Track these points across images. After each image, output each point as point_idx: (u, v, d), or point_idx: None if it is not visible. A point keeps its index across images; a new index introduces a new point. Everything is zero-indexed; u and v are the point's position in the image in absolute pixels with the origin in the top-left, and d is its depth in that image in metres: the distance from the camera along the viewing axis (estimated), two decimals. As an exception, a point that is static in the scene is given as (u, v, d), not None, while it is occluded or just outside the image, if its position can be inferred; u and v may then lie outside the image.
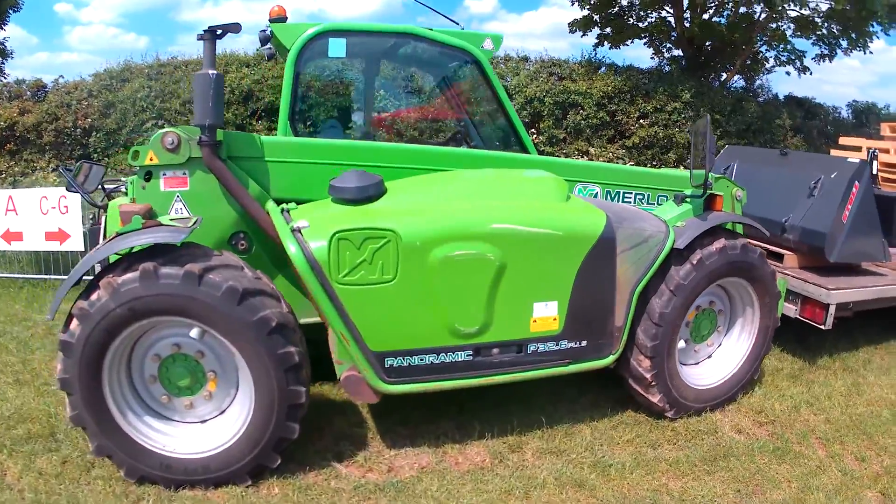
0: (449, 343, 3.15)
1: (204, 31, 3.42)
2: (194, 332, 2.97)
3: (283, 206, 3.46)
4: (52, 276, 6.47)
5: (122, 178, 4.26)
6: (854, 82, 30.29)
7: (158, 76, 9.94)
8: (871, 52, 12.37)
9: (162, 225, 3.04)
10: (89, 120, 9.94)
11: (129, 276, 2.82)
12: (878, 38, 12.29)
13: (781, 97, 13.46)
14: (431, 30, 4.03)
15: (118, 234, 2.95)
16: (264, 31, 4.01)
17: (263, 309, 2.89)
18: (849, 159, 5.06)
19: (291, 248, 2.97)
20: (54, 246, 6.42)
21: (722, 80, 12.87)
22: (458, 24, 4.19)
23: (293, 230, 3.05)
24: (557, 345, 3.41)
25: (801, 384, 4.61)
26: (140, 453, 2.98)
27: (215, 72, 3.36)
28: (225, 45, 10.91)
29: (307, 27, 3.96)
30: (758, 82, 13.47)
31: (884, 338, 5.49)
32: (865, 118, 13.85)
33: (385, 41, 4.24)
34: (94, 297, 2.82)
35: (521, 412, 3.88)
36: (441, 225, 3.08)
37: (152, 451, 3.00)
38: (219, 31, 3.43)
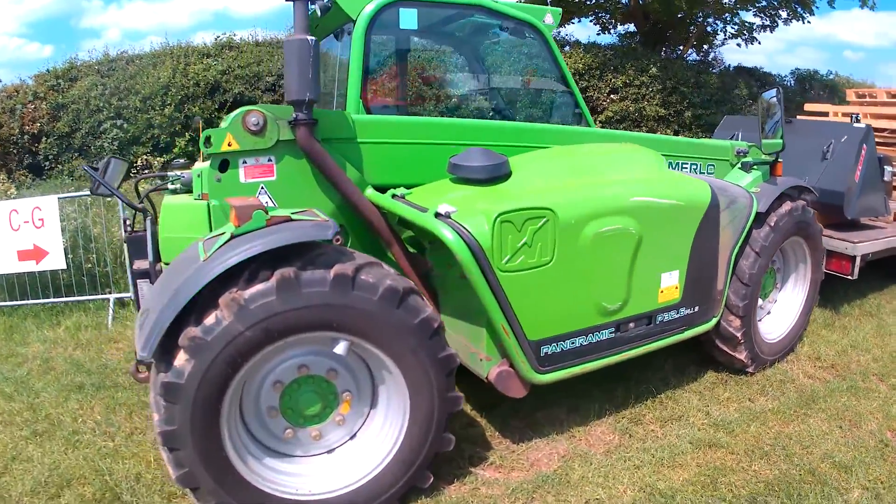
0: (595, 322, 3.13)
1: None
2: (341, 348, 2.54)
3: (393, 192, 3.19)
4: (31, 302, 5.68)
5: (173, 173, 3.50)
6: (762, 50, 32.51)
7: (110, 72, 8.97)
8: (809, 22, 13.03)
9: (291, 220, 2.49)
10: (38, 125, 8.86)
11: (260, 287, 2.30)
12: (817, 8, 12.99)
13: (731, 68, 14.23)
14: (497, 2, 3.89)
15: (235, 236, 2.40)
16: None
17: (423, 310, 2.58)
18: (854, 124, 5.50)
19: (448, 236, 2.66)
20: (29, 266, 5.65)
21: (679, 53, 13.44)
22: None
23: (437, 216, 2.75)
24: (678, 312, 3.50)
25: (837, 331, 5.02)
26: None
27: (312, 37, 2.84)
28: (181, 36, 10.16)
29: None
30: (711, 55, 14.24)
31: (885, 285, 6.07)
32: (809, 84, 14.81)
33: (449, 12, 3.99)
34: (209, 320, 2.27)
35: (624, 387, 3.95)
36: (591, 201, 3.02)
37: (285, 499, 2.55)
38: None
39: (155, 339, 2.22)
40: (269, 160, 2.97)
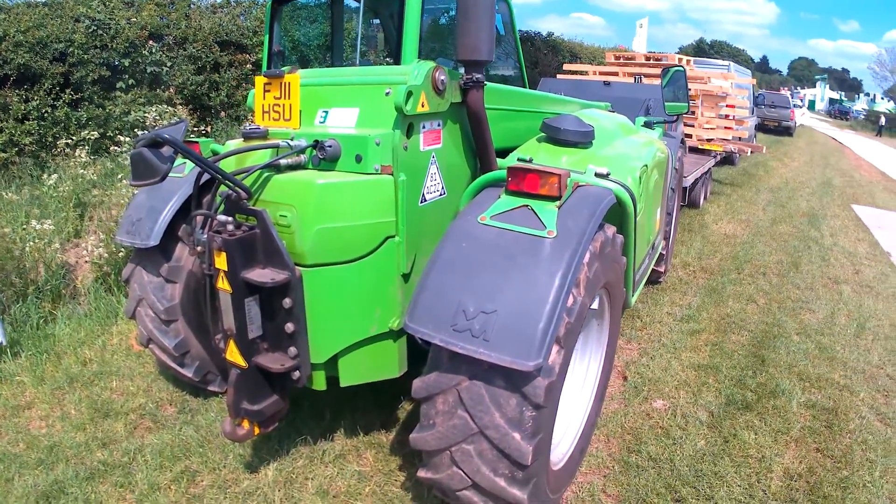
0: (646, 251, 3.91)
1: None
2: (597, 303, 2.62)
3: (519, 156, 3.06)
4: None
5: (284, 142, 2.46)
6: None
7: None
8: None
9: (583, 184, 2.45)
10: None
11: (588, 257, 2.19)
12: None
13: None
14: None
15: (560, 207, 2.20)
16: None
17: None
18: (655, 84, 7.16)
19: (616, 186, 2.76)
20: None
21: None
22: None
23: (598, 176, 2.79)
24: (657, 241, 4.55)
25: (681, 245, 6.81)
26: None
27: None
28: None
29: None
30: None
31: (684, 209, 8.21)
32: (531, 44, 16.41)
33: None
34: (569, 302, 2.03)
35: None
36: (651, 157, 3.74)
37: (554, 470, 2.41)
38: None
39: (551, 341, 1.87)
40: (439, 125, 2.64)
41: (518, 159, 3.15)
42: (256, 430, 2.52)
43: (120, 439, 3.11)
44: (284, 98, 2.64)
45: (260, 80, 2.71)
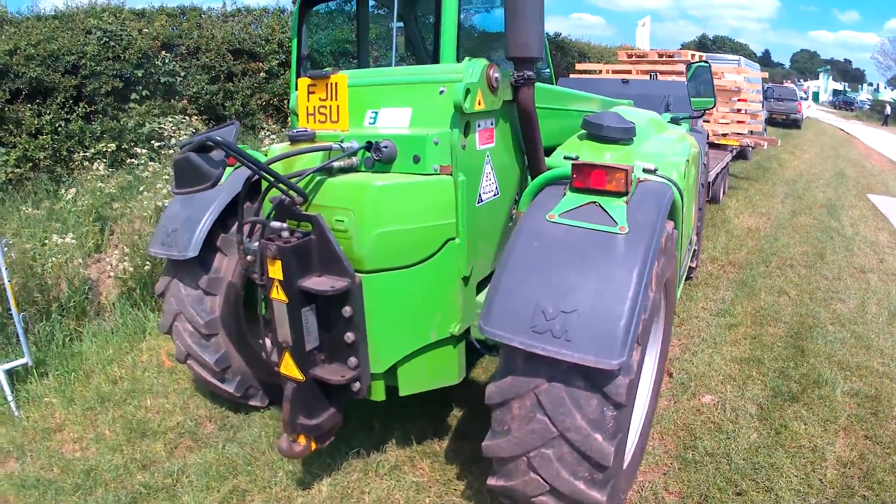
0: (686, 245, 3.84)
1: None
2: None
3: (566, 155, 2.93)
4: None
5: (337, 144, 2.38)
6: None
7: None
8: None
9: (643, 179, 2.40)
10: None
11: (658, 253, 2.14)
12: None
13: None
14: None
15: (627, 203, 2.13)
16: None
17: None
18: (678, 80, 7.13)
19: (668, 182, 2.65)
20: None
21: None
22: None
23: (647, 171, 2.68)
24: (693, 234, 4.48)
25: (706, 240, 6.72)
26: None
27: None
28: None
29: None
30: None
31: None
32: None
33: None
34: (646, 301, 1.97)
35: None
36: (686, 152, 3.70)
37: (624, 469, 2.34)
38: None
39: (633, 338, 1.80)
40: (492, 123, 2.56)
41: (564, 157, 3.09)
42: (313, 446, 2.44)
43: (160, 460, 2.97)
44: (331, 99, 2.56)
45: (304, 82, 2.64)
